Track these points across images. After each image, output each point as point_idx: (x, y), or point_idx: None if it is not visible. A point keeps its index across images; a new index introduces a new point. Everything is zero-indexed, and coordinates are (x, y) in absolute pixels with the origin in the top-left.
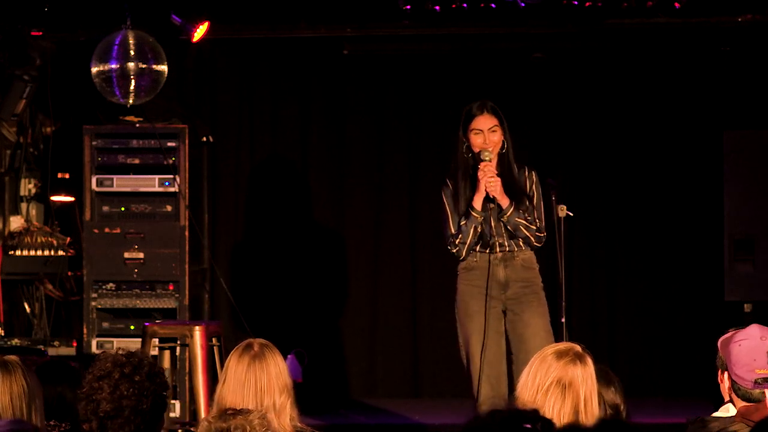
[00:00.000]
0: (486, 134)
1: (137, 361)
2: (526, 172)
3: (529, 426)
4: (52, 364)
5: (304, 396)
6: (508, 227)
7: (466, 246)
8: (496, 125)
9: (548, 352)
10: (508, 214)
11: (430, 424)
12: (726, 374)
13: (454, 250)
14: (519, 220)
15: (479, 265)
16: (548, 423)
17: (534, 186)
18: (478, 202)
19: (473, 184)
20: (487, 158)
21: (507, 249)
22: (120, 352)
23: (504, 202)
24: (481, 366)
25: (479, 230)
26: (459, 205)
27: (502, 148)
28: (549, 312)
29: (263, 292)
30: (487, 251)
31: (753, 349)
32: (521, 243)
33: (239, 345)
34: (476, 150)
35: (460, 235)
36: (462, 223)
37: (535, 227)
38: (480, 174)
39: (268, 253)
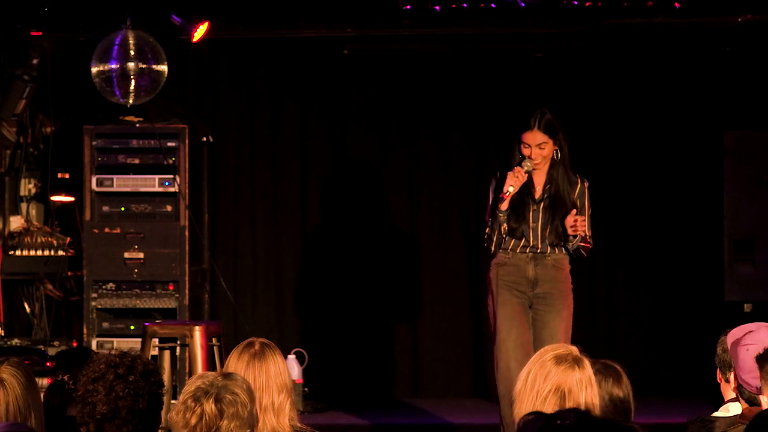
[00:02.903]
0: (533, 149)
1: (131, 360)
2: (579, 182)
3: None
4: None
5: (304, 395)
6: (571, 252)
7: (493, 242)
8: (545, 142)
9: (547, 356)
10: (573, 243)
11: (430, 423)
12: (732, 375)
13: (485, 244)
14: (581, 244)
15: (511, 262)
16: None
17: (585, 197)
18: (504, 203)
19: (523, 184)
20: (526, 167)
21: (539, 251)
22: (113, 352)
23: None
24: (512, 350)
25: (505, 228)
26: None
27: (555, 155)
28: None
29: (263, 292)
30: (518, 251)
31: None
32: (556, 247)
33: (241, 343)
34: None
35: (487, 230)
36: (489, 220)
37: (589, 244)
38: (509, 174)
39: (267, 252)
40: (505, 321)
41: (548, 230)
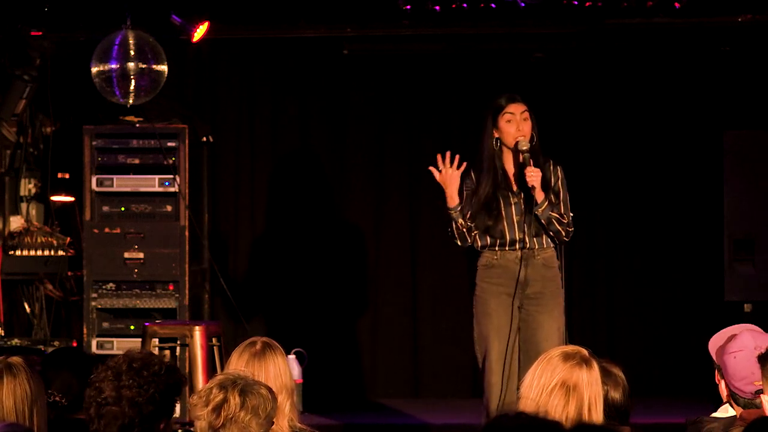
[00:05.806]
0: (519, 119)
1: (149, 358)
2: (551, 167)
3: None
4: (61, 351)
5: (304, 395)
6: (542, 221)
7: (458, 240)
8: (527, 111)
9: (554, 353)
10: (543, 208)
11: (431, 424)
12: (723, 383)
13: (453, 240)
14: (553, 213)
15: (499, 263)
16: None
17: (560, 181)
18: (451, 201)
19: (494, 178)
20: (524, 147)
21: (528, 246)
22: (139, 352)
23: (539, 196)
24: (495, 363)
25: (463, 224)
26: (476, 197)
27: (532, 140)
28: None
29: (263, 292)
30: (507, 248)
31: (748, 361)
32: (544, 240)
33: (243, 342)
34: (509, 139)
35: (448, 229)
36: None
37: (565, 221)
38: (527, 171)
39: (268, 253)
40: (493, 332)
41: (531, 221)
